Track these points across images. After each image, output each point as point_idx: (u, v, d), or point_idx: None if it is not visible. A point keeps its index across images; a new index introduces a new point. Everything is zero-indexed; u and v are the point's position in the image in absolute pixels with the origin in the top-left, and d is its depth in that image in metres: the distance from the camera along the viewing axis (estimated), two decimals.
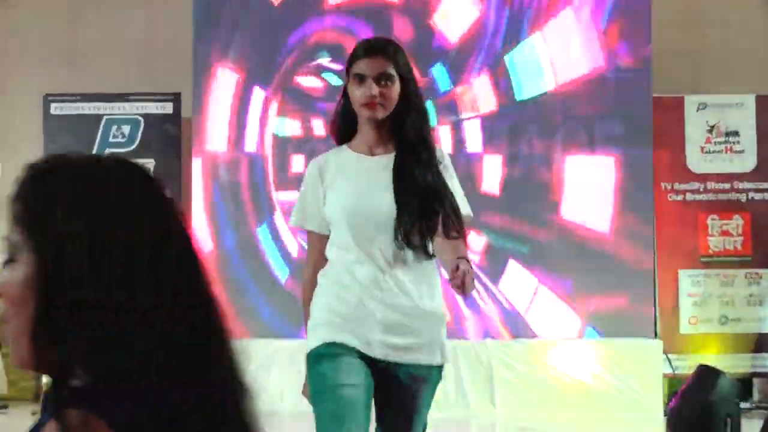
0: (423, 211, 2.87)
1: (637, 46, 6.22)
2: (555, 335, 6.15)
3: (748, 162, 6.33)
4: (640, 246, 6.18)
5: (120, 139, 6.36)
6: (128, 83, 6.58)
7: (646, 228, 6.20)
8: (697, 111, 6.35)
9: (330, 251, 2.95)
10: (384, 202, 2.88)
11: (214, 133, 6.23)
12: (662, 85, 6.31)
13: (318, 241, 3.00)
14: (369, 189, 2.92)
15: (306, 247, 3.16)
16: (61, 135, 6.32)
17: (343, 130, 3.03)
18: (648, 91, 6.21)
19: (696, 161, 6.35)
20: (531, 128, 6.26)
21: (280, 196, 6.29)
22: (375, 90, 2.89)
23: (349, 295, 2.89)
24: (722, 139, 6.34)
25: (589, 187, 6.21)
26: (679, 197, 6.34)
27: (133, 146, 6.36)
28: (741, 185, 6.33)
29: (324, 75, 6.33)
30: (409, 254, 2.88)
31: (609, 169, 6.22)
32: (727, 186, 6.33)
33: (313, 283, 2.98)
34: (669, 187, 6.33)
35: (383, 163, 2.94)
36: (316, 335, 2.90)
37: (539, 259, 6.21)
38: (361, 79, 2.91)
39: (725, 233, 6.30)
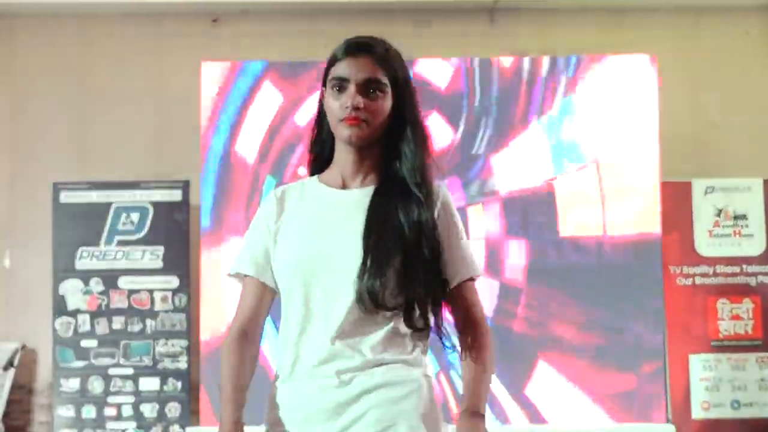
0: (405, 271, 2.11)
1: (644, 133, 6.24)
2: (565, 420, 6.11)
3: (756, 245, 6.35)
4: (650, 330, 6.16)
5: (129, 227, 6.35)
6: (137, 171, 6.59)
7: (656, 312, 6.19)
8: (705, 195, 6.38)
9: (282, 325, 2.25)
10: (349, 248, 2.12)
11: (225, 221, 6.22)
12: (669, 169, 6.32)
13: (255, 289, 2.26)
14: (330, 230, 2.17)
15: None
16: (70, 223, 6.32)
17: (318, 159, 2.32)
18: (656, 176, 6.23)
19: (705, 245, 6.36)
20: (539, 213, 6.26)
21: None
22: (358, 100, 2.13)
23: (297, 382, 2.21)
24: (730, 222, 6.36)
25: (598, 271, 6.20)
26: (689, 281, 6.33)
27: (142, 234, 6.35)
28: (750, 269, 6.34)
29: None
30: (379, 321, 2.14)
31: (617, 253, 6.22)
32: (736, 269, 6.34)
33: (234, 349, 2.32)
34: (678, 271, 6.34)
35: (356, 199, 2.20)
36: None
37: (549, 342, 6.19)
38: (340, 85, 2.15)
39: (735, 317, 6.29)
